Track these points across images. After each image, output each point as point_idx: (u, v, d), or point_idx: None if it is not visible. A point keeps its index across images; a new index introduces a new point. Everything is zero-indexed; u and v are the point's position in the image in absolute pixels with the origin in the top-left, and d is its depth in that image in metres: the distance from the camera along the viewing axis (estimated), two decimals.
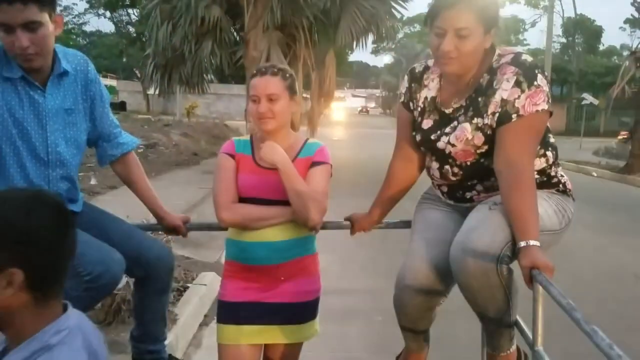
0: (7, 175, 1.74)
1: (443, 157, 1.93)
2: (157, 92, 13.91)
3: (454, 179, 1.95)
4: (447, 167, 1.94)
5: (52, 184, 1.82)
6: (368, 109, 68.97)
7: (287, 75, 1.90)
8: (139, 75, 36.11)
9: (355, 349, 3.77)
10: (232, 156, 1.91)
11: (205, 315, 4.10)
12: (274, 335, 1.89)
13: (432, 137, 1.93)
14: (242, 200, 1.87)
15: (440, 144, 1.90)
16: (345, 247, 5.70)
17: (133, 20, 35.48)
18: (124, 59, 40.29)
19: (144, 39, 15.89)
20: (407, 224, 2.18)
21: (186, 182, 9.50)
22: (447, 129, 1.89)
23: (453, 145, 1.87)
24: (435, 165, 1.99)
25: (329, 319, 4.12)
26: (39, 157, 1.78)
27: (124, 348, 3.37)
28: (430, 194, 2.14)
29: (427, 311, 2.02)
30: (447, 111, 1.90)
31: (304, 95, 14.47)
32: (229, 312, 1.89)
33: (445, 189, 2.02)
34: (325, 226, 2.25)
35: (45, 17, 1.66)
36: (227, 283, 1.92)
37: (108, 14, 37.58)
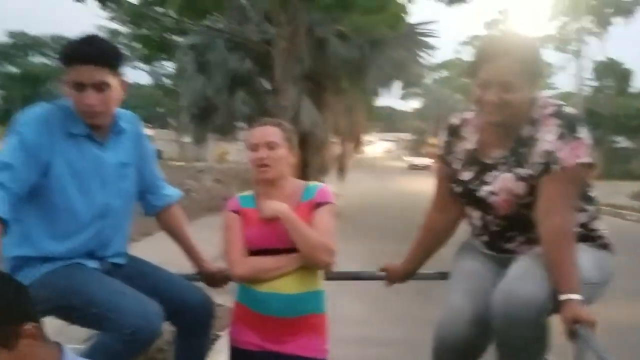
0: (60, 228, 1.81)
1: (484, 207, 1.92)
2: (191, 140, 14.30)
3: (495, 229, 1.93)
4: (488, 217, 1.92)
5: (105, 235, 1.89)
6: (391, 149, 72.09)
7: (286, 128, 1.97)
8: (173, 124, 37.17)
9: None
10: (237, 212, 1.95)
11: None
12: None
13: (472, 186, 1.92)
14: (253, 253, 1.90)
15: (481, 193, 1.89)
16: (380, 295, 5.62)
17: (169, 73, 36.84)
18: (160, 109, 41.63)
19: (178, 90, 16.49)
20: (443, 276, 2.15)
21: (217, 228, 9.52)
22: (488, 178, 1.88)
23: (495, 194, 1.86)
24: (476, 215, 1.97)
25: None
26: (95, 209, 1.86)
27: None
28: (469, 244, 2.11)
29: None
30: (487, 162, 1.90)
31: (333, 140, 14.64)
32: (238, 357, 1.91)
33: (485, 239, 2.00)
34: (359, 276, 2.25)
35: (114, 80, 1.79)
36: (236, 327, 1.93)
37: (145, 67, 39.12)
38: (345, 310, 5.21)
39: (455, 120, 2.05)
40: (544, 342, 1.76)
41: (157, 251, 2.29)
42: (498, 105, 1.76)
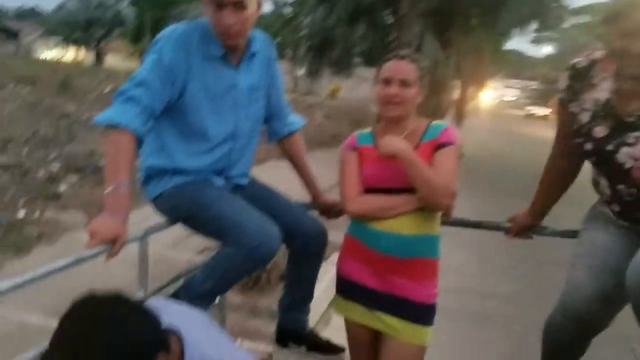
0: (193, 145, 1.87)
1: (617, 173, 1.69)
2: (305, 72, 14.39)
3: (628, 199, 1.71)
4: (620, 186, 1.70)
5: (233, 156, 1.94)
6: (515, 97, 68.79)
7: (422, 65, 1.83)
8: (289, 55, 37.61)
9: (489, 355, 3.59)
10: (355, 149, 1.88)
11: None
12: (387, 325, 1.82)
13: (609, 147, 1.68)
14: (368, 191, 1.82)
15: (621, 157, 1.65)
16: (485, 246, 5.45)
17: (290, 2, 36.91)
18: (278, 39, 42.26)
19: (298, 21, 16.46)
20: (574, 234, 1.98)
21: (324, 164, 9.62)
22: (629, 139, 1.63)
23: (636, 160, 1.63)
24: (604, 182, 1.76)
25: (463, 319, 3.99)
26: (226, 130, 1.90)
27: (260, 314, 3.57)
28: (598, 211, 1.89)
29: (585, 340, 1.85)
30: (627, 119, 1.64)
31: (453, 82, 13.99)
32: (346, 287, 1.90)
33: (617, 208, 1.77)
34: (480, 224, 2.14)
35: (251, 0, 1.77)
36: (346, 259, 1.91)
37: None
38: (453, 261, 5.11)
39: (582, 61, 1.77)
40: None
41: (269, 179, 2.32)
42: None
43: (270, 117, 2.11)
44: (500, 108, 50.41)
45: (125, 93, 1.66)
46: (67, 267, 1.41)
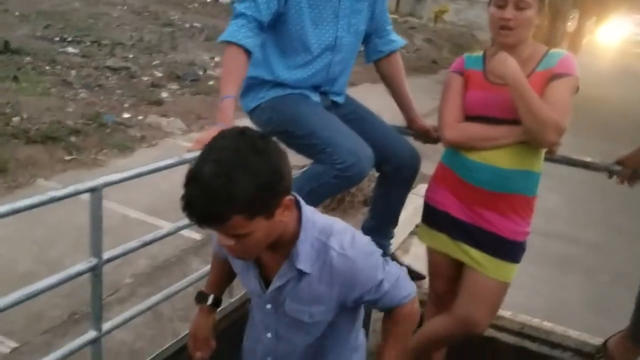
0: (292, 57, 1.85)
1: None
2: None
3: None
4: None
5: (332, 69, 1.91)
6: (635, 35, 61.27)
7: None
8: None
9: (570, 302, 3.49)
10: (461, 73, 1.77)
11: (417, 225, 4.18)
12: (471, 258, 1.78)
13: None
14: (470, 118, 1.72)
15: None
16: (579, 191, 5.16)
17: None
18: None
19: None
20: None
21: (420, 90, 9.32)
22: None
23: None
24: None
25: (548, 263, 3.87)
26: (326, 41, 1.86)
27: None
28: None
29: None
30: None
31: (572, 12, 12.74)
32: (432, 216, 1.86)
33: None
34: (587, 164, 2.00)
35: None
36: (436, 188, 1.85)
37: None
38: (542, 202, 4.91)
39: None
40: None
41: (363, 102, 2.27)
42: None
43: (371, 34, 2.03)
44: (620, 44, 45.72)
45: (235, 9, 1.70)
46: (169, 167, 1.49)
